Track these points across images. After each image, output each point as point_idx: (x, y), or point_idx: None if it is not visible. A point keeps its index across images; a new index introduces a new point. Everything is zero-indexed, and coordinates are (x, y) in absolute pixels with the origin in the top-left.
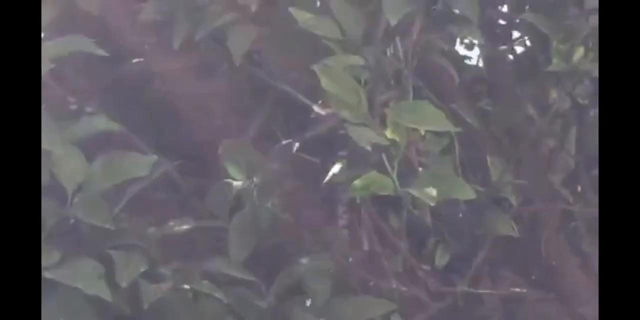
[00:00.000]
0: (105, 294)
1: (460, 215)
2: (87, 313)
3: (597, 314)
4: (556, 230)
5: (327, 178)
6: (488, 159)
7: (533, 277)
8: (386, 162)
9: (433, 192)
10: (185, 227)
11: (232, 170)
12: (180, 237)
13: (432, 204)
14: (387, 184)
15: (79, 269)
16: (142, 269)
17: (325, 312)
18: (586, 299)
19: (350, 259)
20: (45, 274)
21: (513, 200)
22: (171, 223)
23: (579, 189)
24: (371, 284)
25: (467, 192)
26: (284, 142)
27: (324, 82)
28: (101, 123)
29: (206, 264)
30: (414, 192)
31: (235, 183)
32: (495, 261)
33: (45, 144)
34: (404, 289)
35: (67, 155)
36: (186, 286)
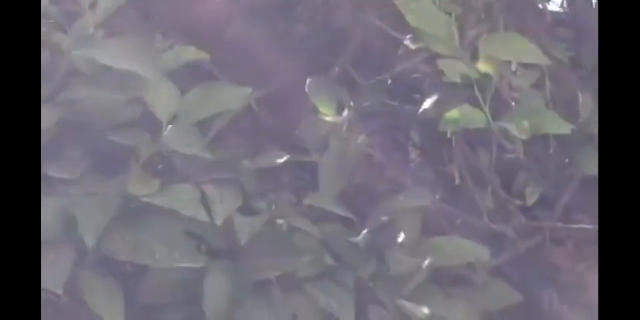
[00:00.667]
0: (202, 216)
1: (551, 151)
2: (184, 245)
3: None
4: None
5: (420, 112)
6: (579, 95)
7: None
8: (479, 96)
9: (526, 125)
10: (278, 160)
11: (321, 106)
12: (273, 171)
13: (525, 138)
14: (479, 118)
15: (176, 195)
16: (238, 205)
17: (417, 252)
18: None
19: (438, 196)
20: (144, 199)
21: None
22: (264, 157)
23: None
24: (459, 221)
25: (560, 126)
26: (373, 79)
27: (412, 18)
28: (190, 53)
29: (300, 199)
30: (507, 125)
31: (325, 119)
32: (583, 201)
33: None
34: (494, 226)
35: (161, 87)
36: (281, 221)
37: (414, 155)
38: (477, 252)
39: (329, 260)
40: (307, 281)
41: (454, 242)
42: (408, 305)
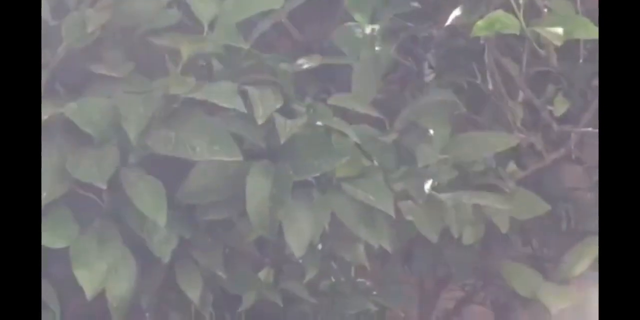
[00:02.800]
0: (241, 107)
1: (581, 61)
2: (223, 140)
3: None
4: None
5: (450, 20)
6: None
7: None
8: (512, 2)
9: (559, 30)
10: (314, 64)
11: (356, 14)
12: (311, 75)
13: (558, 44)
14: (512, 23)
15: (216, 90)
16: (278, 105)
17: (446, 149)
18: None
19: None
20: (185, 95)
21: None
22: (301, 60)
23: None
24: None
25: (590, 31)
26: None
27: None
28: None
29: (335, 101)
30: (540, 30)
31: (358, 25)
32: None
33: None
34: (522, 135)
35: None
36: (319, 123)
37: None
38: (506, 142)
39: (365, 161)
40: (344, 180)
41: (482, 136)
42: (437, 195)
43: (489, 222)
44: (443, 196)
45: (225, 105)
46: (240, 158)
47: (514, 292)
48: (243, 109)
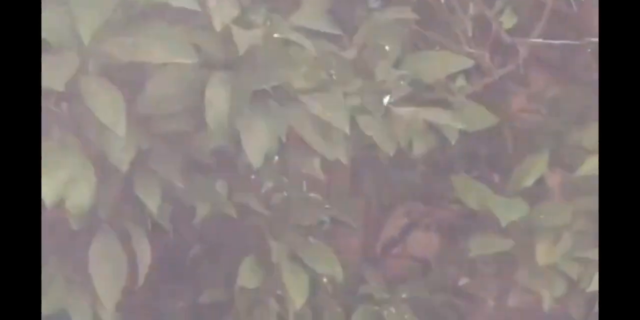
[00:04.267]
0: (193, 5)
1: None
2: (180, 45)
3: None
4: None
5: None
6: None
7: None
8: None
9: None
10: None
11: None
12: None
13: None
14: None
15: None
16: (235, 14)
17: (401, 64)
18: None
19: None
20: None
21: None
22: None
23: None
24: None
25: None
26: None
27: None
28: None
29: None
30: None
31: None
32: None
33: None
34: (472, 50)
35: None
36: (276, 35)
37: None
38: (461, 63)
39: (322, 75)
40: (301, 93)
41: (439, 55)
42: (395, 110)
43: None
44: (399, 110)
45: (181, 5)
46: (196, 60)
47: (462, 211)
48: (197, 8)
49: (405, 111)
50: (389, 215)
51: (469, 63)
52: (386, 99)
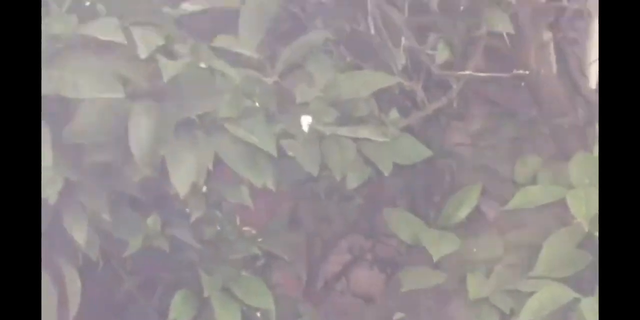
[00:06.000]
0: (120, 38)
1: (462, 8)
2: (106, 79)
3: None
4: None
5: None
6: None
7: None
8: None
9: None
10: (197, 7)
11: None
12: (196, 19)
13: None
14: None
15: (98, 26)
16: (160, 43)
17: (327, 89)
18: (564, 112)
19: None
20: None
21: None
22: (185, 4)
23: None
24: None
25: None
26: None
27: None
28: None
29: (217, 41)
30: None
31: None
32: (487, 66)
33: None
34: (405, 83)
35: None
36: (202, 64)
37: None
38: (383, 80)
39: (247, 102)
40: (227, 121)
41: (363, 75)
42: (318, 129)
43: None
44: (323, 129)
45: (107, 38)
46: (122, 95)
47: (399, 247)
48: (123, 40)
49: (328, 130)
50: (330, 249)
51: (392, 81)
52: (307, 121)
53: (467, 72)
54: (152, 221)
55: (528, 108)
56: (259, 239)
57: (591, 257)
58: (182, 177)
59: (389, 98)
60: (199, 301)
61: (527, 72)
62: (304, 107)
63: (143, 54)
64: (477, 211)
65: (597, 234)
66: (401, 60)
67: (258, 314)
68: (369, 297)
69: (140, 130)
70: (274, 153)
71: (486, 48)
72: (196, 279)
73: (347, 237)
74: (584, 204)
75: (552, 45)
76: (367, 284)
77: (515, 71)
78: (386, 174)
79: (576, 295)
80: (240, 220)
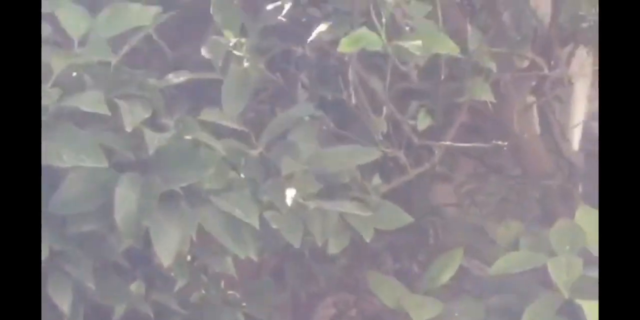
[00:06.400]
0: (105, 111)
1: (442, 77)
2: (90, 149)
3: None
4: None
5: (314, 36)
6: (469, 28)
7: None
8: (375, 20)
9: (419, 43)
10: (182, 78)
11: (225, 28)
12: (180, 90)
13: (418, 53)
14: (375, 40)
15: (83, 98)
16: (146, 115)
17: (312, 161)
18: (549, 174)
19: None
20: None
21: (493, 67)
22: (170, 75)
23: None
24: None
25: (451, 47)
26: (274, 3)
27: None
28: None
29: (203, 115)
30: (402, 43)
31: (227, 40)
32: (470, 128)
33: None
34: (388, 150)
35: (71, 7)
36: (188, 137)
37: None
38: (368, 155)
39: (232, 174)
40: (211, 193)
41: (346, 149)
42: (302, 202)
43: (355, 235)
44: (307, 203)
45: (92, 110)
46: (106, 165)
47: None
48: (107, 112)
49: (312, 204)
50: (315, 307)
51: (376, 155)
52: (290, 194)
53: (448, 143)
54: (136, 287)
55: (513, 168)
56: (243, 304)
57: None
58: (166, 247)
59: (372, 164)
60: None
61: (505, 143)
62: (289, 179)
63: (128, 127)
64: (460, 272)
65: (577, 301)
66: (383, 128)
67: None
68: None
69: (125, 201)
70: (257, 226)
71: (469, 111)
72: None
73: (332, 294)
74: (565, 272)
75: (535, 109)
76: None
77: (494, 142)
78: (367, 240)
79: None
80: (224, 284)
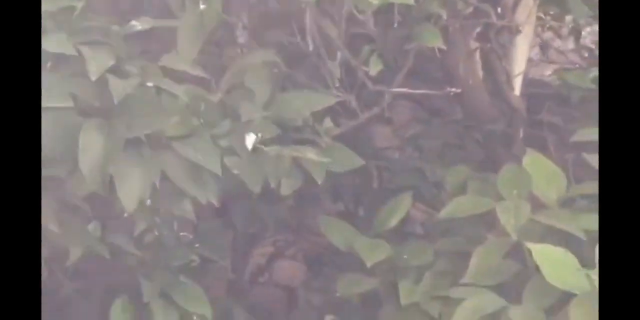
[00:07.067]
0: (70, 50)
1: (395, 25)
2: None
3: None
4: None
5: None
6: None
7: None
8: None
9: None
10: (145, 26)
11: None
12: (142, 37)
13: (375, 2)
14: None
15: (48, 41)
16: (111, 63)
17: (268, 105)
18: (492, 119)
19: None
20: None
21: (443, 13)
22: (133, 22)
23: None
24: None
25: None
26: None
27: None
28: None
29: (164, 61)
30: None
31: None
32: (418, 74)
33: None
34: (339, 94)
35: None
36: (150, 84)
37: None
38: (324, 101)
39: (194, 121)
40: (173, 140)
41: (303, 95)
42: (261, 148)
43: (306, 177)
44: (266, 149)
45: (58, 51)
46: (71, 104)
47: (329, 246)
48: (74, 53)
49: (271, 149)
50: (255, 245)
51: (331, 101)
52: (250, 140)
53: (403, 89)
54: (93, 228)
55: (455, 113)
56: (196, 245)
57: (518, 266)
58: (130, 194)
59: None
60: (138, 307)
61: (459, 90)
62: (248, 126)
63: (93, 75)
64: (407, 217)
65: (525, 244)
66: (337, 74)
67: (195, 318)
68: (294, 290)
69: (90, 147)
70: (219, 172)
71: (417, 57)
72: (136, 286)
73: (272, 233)
74: (513, 215)
75: (478, 55)
76: (291, 277)
77: (448, 89)
78: (319, 182)
79: (504, 303)
80: (177, 226)
